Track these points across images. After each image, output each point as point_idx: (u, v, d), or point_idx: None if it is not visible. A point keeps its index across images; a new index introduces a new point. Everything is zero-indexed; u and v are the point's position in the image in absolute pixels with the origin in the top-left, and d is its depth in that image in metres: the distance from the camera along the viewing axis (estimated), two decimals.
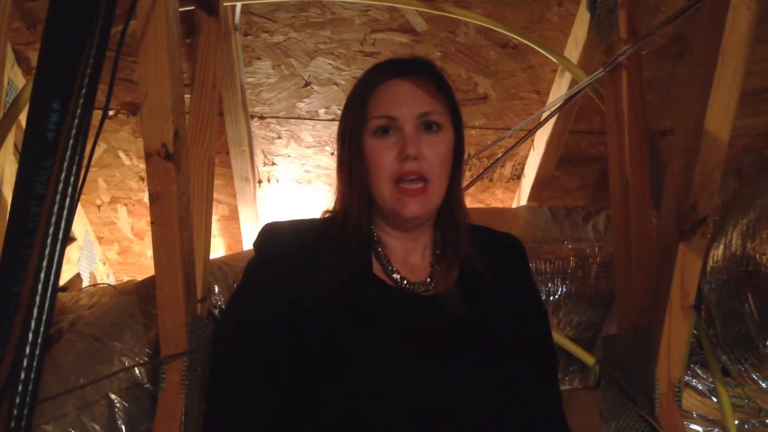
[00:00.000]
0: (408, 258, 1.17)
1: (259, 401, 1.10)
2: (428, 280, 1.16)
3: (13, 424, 0.42)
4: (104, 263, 2.98)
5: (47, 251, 0.45)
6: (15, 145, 2.22)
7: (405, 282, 1.14)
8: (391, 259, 1.16)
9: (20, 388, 0.41)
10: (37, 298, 0.44)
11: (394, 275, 1.14)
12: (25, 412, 0.41)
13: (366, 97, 1.15)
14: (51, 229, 0.45)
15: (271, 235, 1.20)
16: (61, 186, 0.47)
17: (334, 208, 1.19)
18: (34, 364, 0.44)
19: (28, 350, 0.43)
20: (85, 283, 2.72)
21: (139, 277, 2.63)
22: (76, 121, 0.52)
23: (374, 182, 1.12)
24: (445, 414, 1.05)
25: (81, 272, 2.72)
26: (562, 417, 1.21)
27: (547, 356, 1.23)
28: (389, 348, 1.07)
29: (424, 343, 1.09)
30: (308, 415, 1.09)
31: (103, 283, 2.71)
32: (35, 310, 0.44)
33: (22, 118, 1.98)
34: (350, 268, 1.11)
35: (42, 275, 0.45)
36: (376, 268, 1.15)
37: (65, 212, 0.46)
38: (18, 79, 2.19)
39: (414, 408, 1.04)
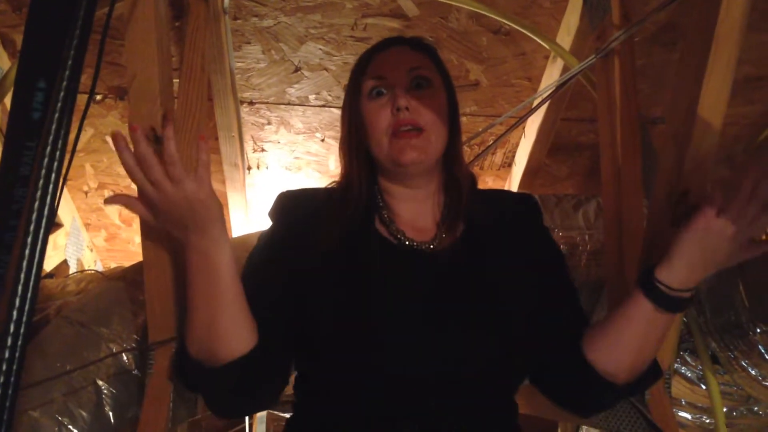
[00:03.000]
0: (416, 221, 1.20)
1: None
2: (432, 238, 1.18)
3: None
4: (91, 250, 2.96)
5: (32, 228, 0.44)
6: (0, 129, 2.19)
7: (408, 241, 1.16)
8: (396, 222, 1.19)
9: (4, 367, 0.40)
10: (22, 276, 0.43)
11: (398, 235, 1.17)
12: (10, 392, 0.40)
13: (361, 70, 1.23)
14: (36, 204, 0.44)
15: (282, 203, 1.26)
16: (46, 161, 0.45)
17: (339, 178, 1.25)
18: (19, 344, 0.43)
19: (12, 329, 0.42)
20: (72, 269, 2.70)
21: (127, 264, 2.61)
22: (61, 96, 0.51)
23: (373, 139, 1.18)
24: (444, 366, 1.06)
25: (68, 259, 2.70)
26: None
27: (568, 290, 1.24)
28: (389, 303, 1.09)
29: (425, 297, 1.10)
30: (314, 372, 1.14)
31: (91, 270, 2.69)
32: (20, 288, 0.43)
33: (7, 102, 1.95)
34: (353, 228, 1.16)
35: (27, 252, 0.44)
36: (381, 230, 1.19)
37: (50, 189, 0.45)
38: (4, 62, 2.16)
39: (413, 361, 1.05)
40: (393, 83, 1.18)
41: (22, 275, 0.43)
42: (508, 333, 1.10)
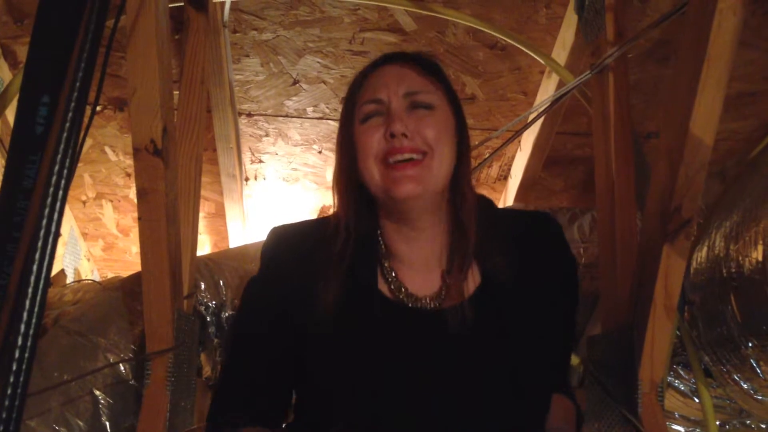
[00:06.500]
0: (422, 267, 1.08)
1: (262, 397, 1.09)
2: (439, 291, 1.07)
3: (4, 414, 0.42)
4: (89, 259, 2.96)
5: (40, 244, 0.45)
6: (0, 140, 2.20)
7: (411, 299, 1.06)
8: (398, 273, 1.08)
9: (11, 379, 0.41)
10: (30, 291, 0.44)
11: (398, 294, 1.06)
12: (16, 403, 0.41)
13: (356, 89, 1.10)
14: (44, 222, 0.45)
15: (275, 244, 1.14)
16: (54, 179, 0.47)
17: (335, 214, 1.11)
18: (26, 356, 0.44)
19: (20, 342, 0.43)
20: (70, 279, 2.70)
21: (124, 274, 2.61)
22: (71, 114, 0.52)
23: (363, 167, 1.04)
24: None
25: (65, 268, 2.70)
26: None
27: (565, 341, 1.17)
28: (391, 370, 1.01)
29: (429, 364, 1.02)
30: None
31: (88, 280, 2.70)
32: (27, 303, 0.44)
33: (8, 113, 1.96)
34: (353, 285, 1.05)
35: (34, 268, 0.45)
36: (381, 284, 1.07)
37: (58, 205, 0.46)
38: (4, 74, 2.17)
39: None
40: (389, 106, 1.04)
41: (30, 290, 0.44)
42: (525, 400, 1.03)
